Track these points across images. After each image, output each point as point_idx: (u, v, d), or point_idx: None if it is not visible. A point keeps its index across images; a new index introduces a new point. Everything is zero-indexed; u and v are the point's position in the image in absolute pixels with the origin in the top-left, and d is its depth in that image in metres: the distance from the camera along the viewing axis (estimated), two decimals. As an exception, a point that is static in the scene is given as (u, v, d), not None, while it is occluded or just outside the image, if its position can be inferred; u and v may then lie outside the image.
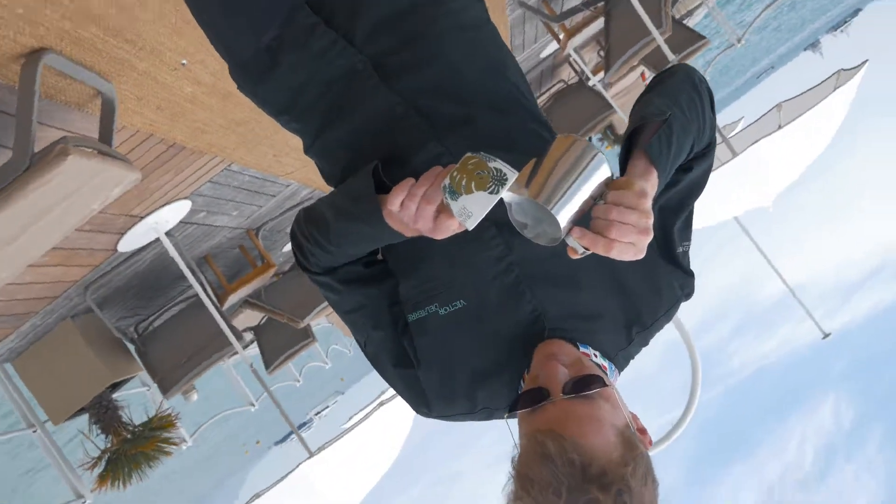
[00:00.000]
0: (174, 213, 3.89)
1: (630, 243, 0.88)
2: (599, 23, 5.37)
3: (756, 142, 4.76)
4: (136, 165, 3.10)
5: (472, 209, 0.88)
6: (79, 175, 2.24)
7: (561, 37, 5.43)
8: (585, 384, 0.98)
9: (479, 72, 1.14)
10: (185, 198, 3.85)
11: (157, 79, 2.63)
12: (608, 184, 0.91)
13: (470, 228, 0.90)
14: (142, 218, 3.71)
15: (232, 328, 4.36)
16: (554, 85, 8.01)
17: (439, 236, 0.96)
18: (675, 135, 1.01)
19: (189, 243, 4.56)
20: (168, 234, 4.02)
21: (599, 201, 0.90)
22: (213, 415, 7.36)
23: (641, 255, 0.90)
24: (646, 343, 1.16)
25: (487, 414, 1.14)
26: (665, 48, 4.73)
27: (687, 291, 1.15)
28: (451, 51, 1.13)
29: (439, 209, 0.93)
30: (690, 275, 1.16)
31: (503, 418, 1.06)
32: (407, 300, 1.13)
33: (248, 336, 6.55)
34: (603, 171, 0.89)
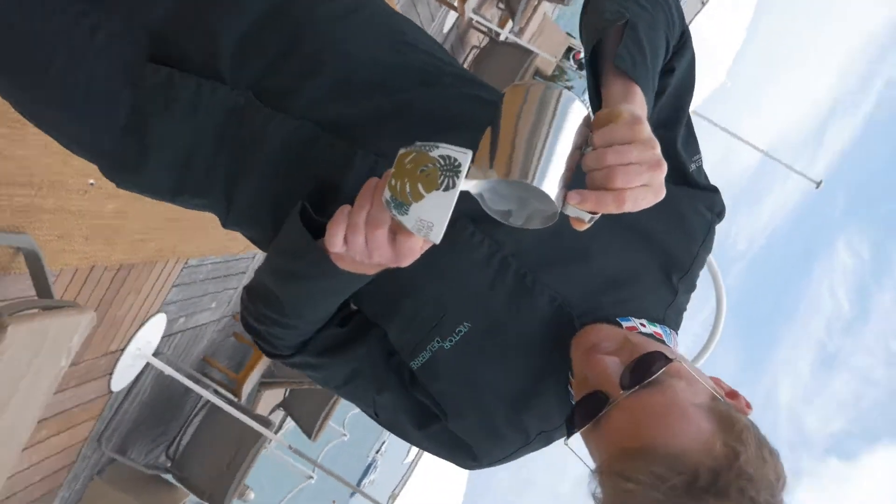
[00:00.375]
0: (153, 331, 3.70)
1: (643, 186, 0.67)
2: (487, -25, 5.19)
3: (689, 24, 4.58)
4: (91, 301, 2.92)
5: (429, 217, 0.67)
6: (29, 342, 2.05)
7: (456, 4, 5.24)
8: (646, 367, 0.77)
9: (380, 53, 0.93)
10: (157, 312, 3.65)
11: (72, 209, 2.43)
12: (588, 124, 0.71)
13: (437, 241, 0.68)
14: (122, 350, 3.52)
15: (257, 417, 4.17)
16: (468, 54, 7.81)
17: (405, 262, 0.74)
18: (643, 34, 0.81)
19: (181, 353, 4.36)
20: (156, 354, 3.83)
21: (587, 149, 0.70)
22: (278, 502, 7.18)
23: (662, 195, 0.69)
24: (693, 287, 0.95)
25: (545, 438, 0.94)
26: (560, -28, 4.54)
27: (718, 211, 0.96)
28: (339, 42, 0.92)
29: (393, 229, 0.72)
30: (714, 191, 0.97)
31: (565, 439, 0.85)
32: (402, 347, 0.92)
33: (280, 414, 6.36)
34: (576, 110, 0.69)
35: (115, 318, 3.27)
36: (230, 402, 4.17)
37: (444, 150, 0.67)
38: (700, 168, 0.96)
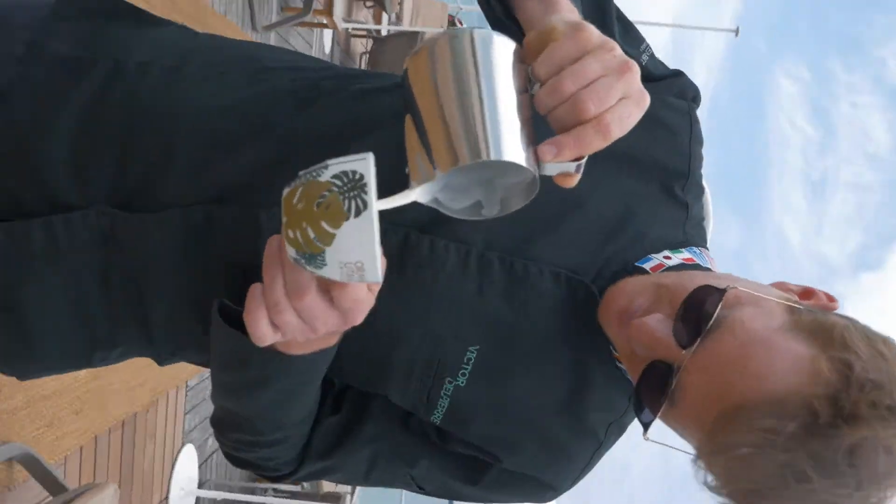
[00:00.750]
0: (187, 465, 3.55)
1: (622, 100, 0.53)
2: (341, -19, 5.05)
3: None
4: (112, 470, 2.78)
5: (353, 258, 0.51)
6: (61, 547, 1.90)
7: (325, 21, 5.10)
8: (698, 310, 0.62)
9: (236, 93, 0.77)
10: (183, 446, 3.50)
11: (46, 394, 2.29)
12: (522, 59, 0.57)
13: (379, 280, 0.52)
14: (167, 498, 3.38)
15: (326, 497, 4.05)
16: (360, 63, 7.68)
17: (360, 318, 0.58)
18: None
19: (225, 472, 4.21)
20: (201, 485, 3.69)
21: (534, 87, 0.56)
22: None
23: (647, 101, 0.56)
24: (701, 190, 0.82)
25: (618, 428, 0.80)
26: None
27: (692, 95, 0.82)
28: (181, 103, 0.75)
29: (324, 287, 0.56)
30: (678, 74, 0.83)
31: (643, 433, 0.70)
32: (414, 406, 0.77)
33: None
34: (501, 46, 0.55)
35: (144, 472, 3.12)
36: (294, 494, 4.05)
37: (335, 166, 0.51)
38: (653, 56, 0.82)
